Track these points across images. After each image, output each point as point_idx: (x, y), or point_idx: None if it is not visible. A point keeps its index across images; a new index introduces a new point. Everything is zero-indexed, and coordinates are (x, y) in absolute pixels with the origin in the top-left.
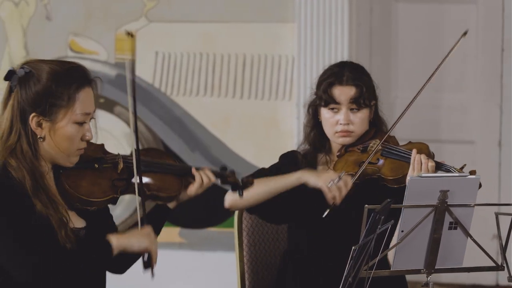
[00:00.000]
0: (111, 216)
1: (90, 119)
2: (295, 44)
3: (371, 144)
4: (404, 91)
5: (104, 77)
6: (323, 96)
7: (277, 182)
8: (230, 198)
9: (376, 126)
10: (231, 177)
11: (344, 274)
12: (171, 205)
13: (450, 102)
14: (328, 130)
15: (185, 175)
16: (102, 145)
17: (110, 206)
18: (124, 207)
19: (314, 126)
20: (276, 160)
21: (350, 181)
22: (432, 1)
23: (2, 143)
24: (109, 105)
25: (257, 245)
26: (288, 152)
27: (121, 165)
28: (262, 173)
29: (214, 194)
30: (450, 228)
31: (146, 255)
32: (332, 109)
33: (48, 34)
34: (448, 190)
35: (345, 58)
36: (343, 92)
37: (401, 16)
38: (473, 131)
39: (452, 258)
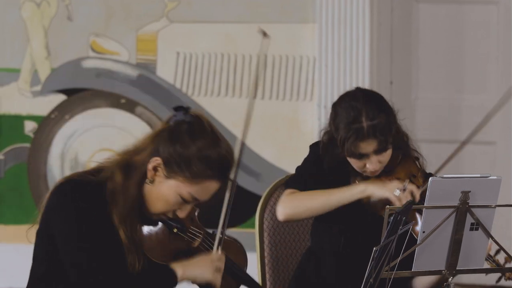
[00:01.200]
0: None
1: (194, 204)
2: (316, 44)
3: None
4: (425, 92)
5: (125, 77)
6: (348, 153)
7: (339, 196)
8: (284, 212)
9: (399, 143)
10: None
11: (366, 275)
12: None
13: (471, 102)
14: (356, 169)
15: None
16: (194, 211)
17: None
18: None
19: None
20: (296, 160)
21: (417, 191)
22: (453, 2)
23: (127, 153)
24: (130, 106)
25: (278, 245)
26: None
27: (195, 244)
28: (303, 176)
29: (235, 194)
30: (471, 229)
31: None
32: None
33: (70, 34)
34: (470, 191)
35: (366, 59)
36: (367, 146)
37: (422, 16)
38: (493, 132)
39: (473, 259)
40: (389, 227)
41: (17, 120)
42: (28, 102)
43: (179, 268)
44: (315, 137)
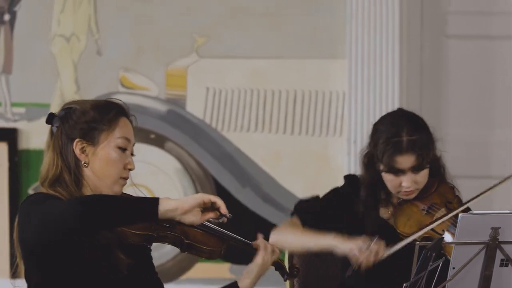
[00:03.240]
0: (151, 257)
1: (132, 153)
2: (346, 80)
3: (438, 213)
4: (455, 128)
5: (155, 113)
6: (385, 167)
7: (313, 242)
8: (274, 238)
9: (436, 171)
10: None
11: None
12: (241, 285)
13: (500, 138)
14: (391, 188)
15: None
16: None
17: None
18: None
19: (374, 176)
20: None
21: (381, 250)
22: (482, 38)
23: (43, 179)
24: (160, 141)
25: (307, 279)
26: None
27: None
28: (314, 206)
29: (264, 229)
30: (501, 265)
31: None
32: (396, 174)
33: (99, 69)
34: (500, 227)
35: (396, 94)
36: (404, 161)
37: (452, 52)
38: None
39: None
40: (419, 263)
41: None
42: None
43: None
44: (344, 172)
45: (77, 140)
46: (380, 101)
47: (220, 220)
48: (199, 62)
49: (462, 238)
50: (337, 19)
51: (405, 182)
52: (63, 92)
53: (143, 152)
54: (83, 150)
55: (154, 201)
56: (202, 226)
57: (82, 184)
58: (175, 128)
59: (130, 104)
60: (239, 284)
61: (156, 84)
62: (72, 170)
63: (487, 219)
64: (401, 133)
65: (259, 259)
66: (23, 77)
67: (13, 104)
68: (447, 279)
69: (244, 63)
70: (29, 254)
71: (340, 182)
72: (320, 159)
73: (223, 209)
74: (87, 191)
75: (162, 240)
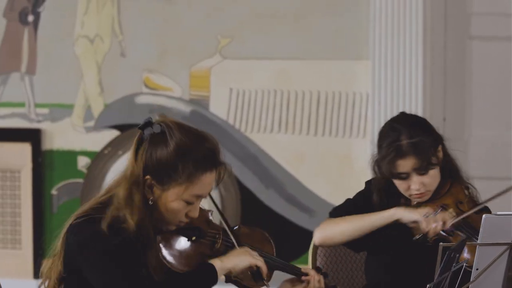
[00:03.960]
0: None
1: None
2: (369, 81)
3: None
4: (478, 129)
5: (179, 113)
6: (388, 174)
7: (371, 220)
8: (319, 236)
9: (449, 172)
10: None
11: None
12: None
13: None
14: (403, 192)
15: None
16: (208, 213)
17: None
18: None
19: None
20: (349, 197)
21: (448, 220)
22: (506, 39)
23: (127, 181)
24: None
25: (331, 282)
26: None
27: (218, 245)
28: (348, 207)
29: (288, 230)
30: None
31: (254, 269)
32: (401, 178)
33: (123, 70)
34: None
35: (419, 95)
36: (406, 164)
37: (475, 53)
38: None
39: None
40: (442, 264)
41: (70, 156)
42: (81, 138)
43: (215, 261)
44: (367, 174)
45: (148, 177)
46: (403, 102)
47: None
48: (222, 63)
49: (485, 239)
50: (361, 20)
51: (413, 185)
52: (87, 93)
53: None
54: (150, 187)
55: (212, 271)
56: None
57: (148, 215)
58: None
59: (154, 105)
60: None
61: (179, 85)
62: (143, 195)
63: (510, 220)
64: (401, 137)
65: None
66: (47, 78)
67: (37, 105)
68: (470, 280)
69: (268, 64)
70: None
71: (364, 185)
72: (343, 161)
73: (265, 275)
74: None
75: None
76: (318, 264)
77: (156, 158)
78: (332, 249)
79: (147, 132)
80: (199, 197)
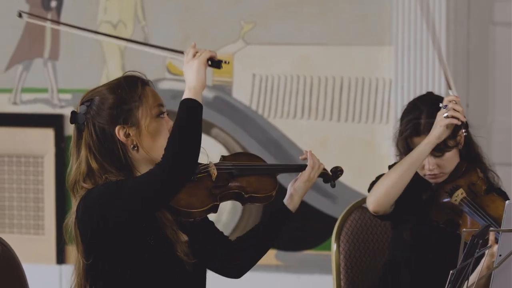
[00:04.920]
0: (211, 223)
1: (167, 113)
2: (392, 67)
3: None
4: (502, 115)
5: (202, 99)
6: (403, 150)
7: (411, 157)
8: (372, 200)
9: (468, 156)
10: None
11: None
12: (291, 206)
13: None
14: (418, 171)
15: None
16: None
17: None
18: (229, 215)
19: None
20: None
21: (461, 111)
22: None
23: (82, 175)
24: (206, 127)
25: (354, 268)
26: None
27: (215, 173)
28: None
29: (310, 216)
30: None
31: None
32: None
33: (146, 56)
34: None
35: (442, 81)
36: (420, 142)
37: (499, 39)
38: None
39: None
40: (465, 250)
41: None
42: None
43: (185, 96)
44: (391, 160)
45: (117, 127)
46: (426, 88)
47: None
48: (245, 49)
49: (509, 225)
50: (384, 6)
51: (427, 165)
52: (110, 78)
53: None
54: (127, 135)
55: (187, 101)
56: (252, 170)
57: (133, 168)
58: (221, 115)
59: (177, 91)
60: (290, 207)
61: None
62: (120, 159)
63: None
64: (421, 115)
65: (305, 175)
66: (69, 64)
67: (60, 91)
68: (493, 266)
69: (290, 49)
70: (100, 238)
71: (386, 170)
72: (366, 146)
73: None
74: (141, 172)
75: (225, 201)
76: (341, 249)
77: (107, 110)
78: (355, 234)
79: (80, 118)
80: (161, 105)
